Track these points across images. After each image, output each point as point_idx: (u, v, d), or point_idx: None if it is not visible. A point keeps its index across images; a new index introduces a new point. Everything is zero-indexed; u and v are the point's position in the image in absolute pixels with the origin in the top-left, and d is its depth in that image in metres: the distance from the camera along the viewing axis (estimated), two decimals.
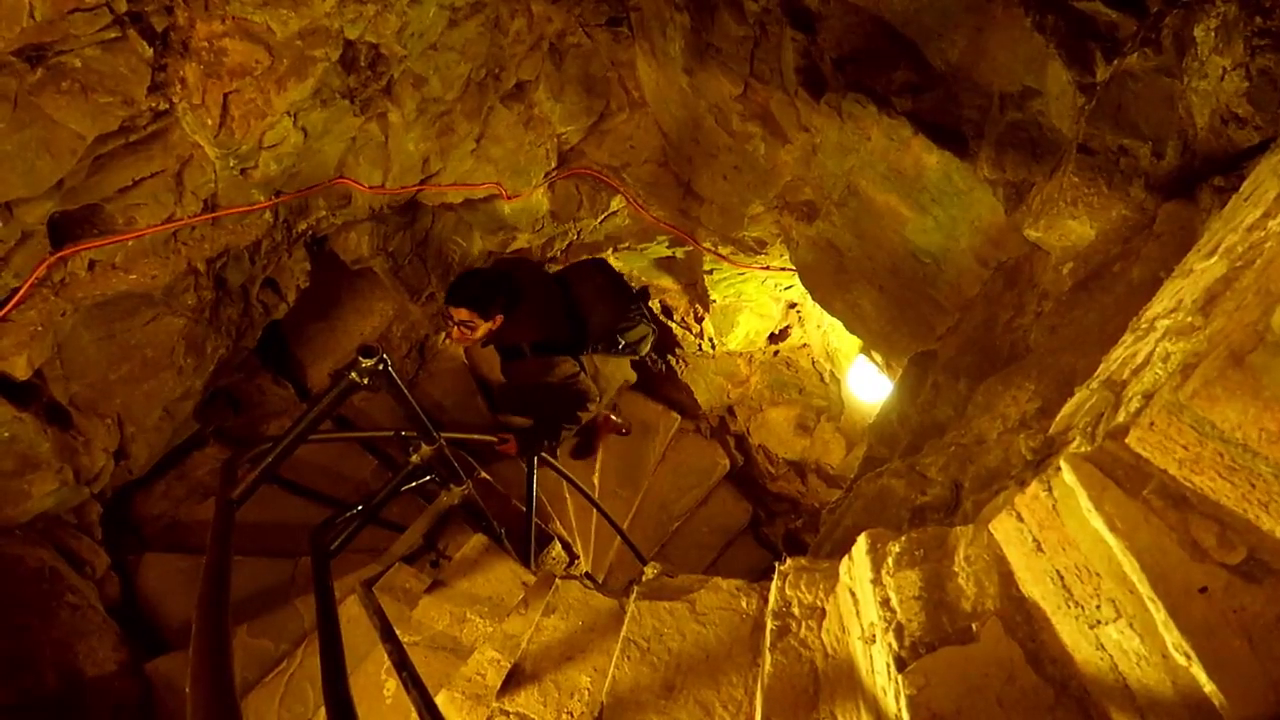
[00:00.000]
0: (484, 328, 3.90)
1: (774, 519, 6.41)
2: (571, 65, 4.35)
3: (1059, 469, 1.06)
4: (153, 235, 3.43)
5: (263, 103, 3.34)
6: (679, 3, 4.01)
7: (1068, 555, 1.06)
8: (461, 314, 3.86)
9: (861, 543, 1.35)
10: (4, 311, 3.18)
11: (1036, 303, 2.96)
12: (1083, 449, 1.09)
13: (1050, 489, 1.08)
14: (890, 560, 1.28)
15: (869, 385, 5.64)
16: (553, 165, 4.63)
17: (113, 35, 2.89)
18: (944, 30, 3.28)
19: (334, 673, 1.59)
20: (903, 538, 1.30)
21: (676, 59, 4.18)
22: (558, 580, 2.13)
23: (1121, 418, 1.08)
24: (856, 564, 1.37)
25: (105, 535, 3.86)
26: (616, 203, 4.95)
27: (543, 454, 4.09)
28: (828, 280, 4.39)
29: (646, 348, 4.57)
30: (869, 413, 5.79)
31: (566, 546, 4.22)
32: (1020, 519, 1.15)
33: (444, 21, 3.68)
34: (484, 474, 4.35)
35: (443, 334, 5.44)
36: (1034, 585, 1.14)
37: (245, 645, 3.32)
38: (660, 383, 6.41)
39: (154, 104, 3.16)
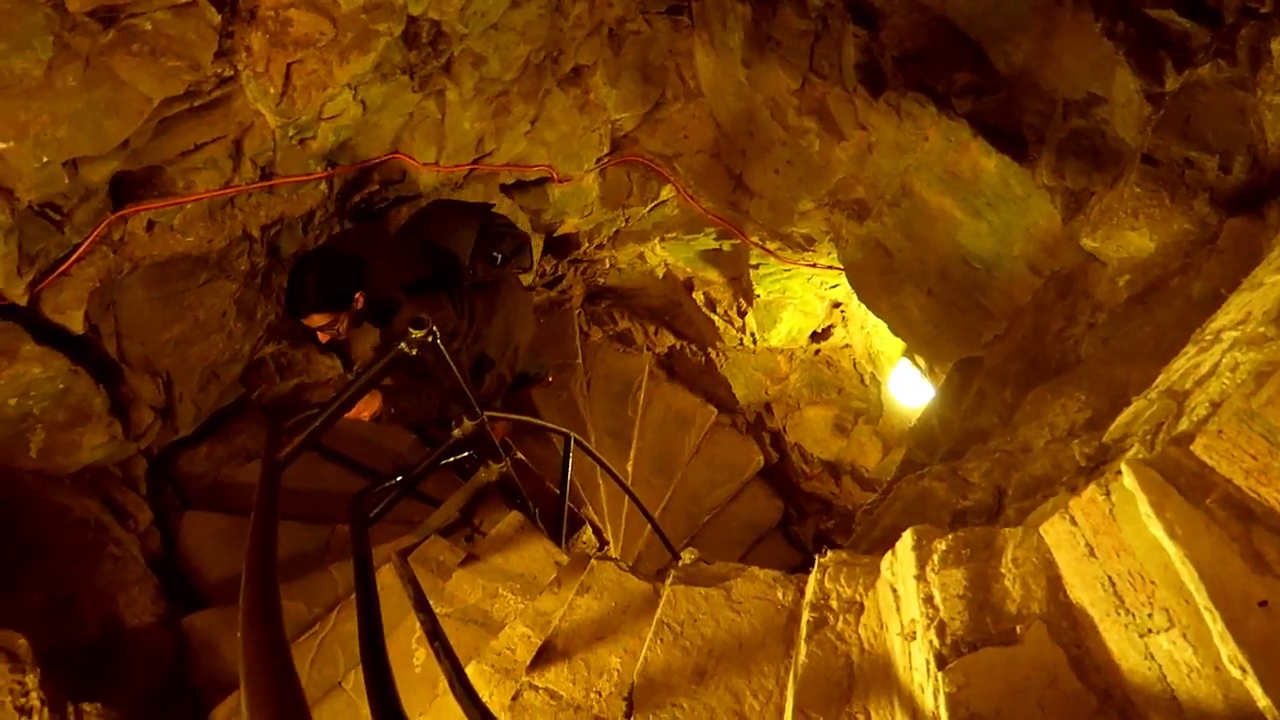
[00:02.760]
0: (346, 317, 3.37)
1: (805, 518, 6.38)
2: (630, 52, 4.35)
3: (1119, 473, 1.05)
4: (210, 200, 3.49)
5: (325, 74, 3.37)
6: None
7: (1122, 561, 1.05)
8: (316, 320, 3.31)
9: (907, 538, 1.34)
10: (65, 267, 3.25)
11: (1090, 314, 2.92)
12: (1141, 456, 1.08)
13: (1108, 493, 1.07)
14: (936, 558, 1.27)
15: (910, 389, 5.60)
16: (605, 151, 4.64)
17: (183, 0, 2.93)
18: (1009, 32, 3.23)
19: (371, 634, 1.61)
20: (950, 536, 1.29)
21: (735, 50, 4.17)
22: (593, 560, 2.14)
23: (1185, 425, 1.06)
24: (900, 560, 1.36)
25: (149, 491, 3.94)
26: (666, 192, 4.95)
27: (577, 438, 4.07)
28: (875, 281, 4.36)
29: (529, 258, 4.07)
30: (908, 417, 5.75)
31: (597, 532, 4.24)
32: (1074, 523, 1.13)
33: (506, 2, 3.69)
34: (520, 454, 4.38)
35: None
36: (1083, 591, 1.13)
37: None
38: (699, 375, 6.40)
39: (219, 70, 3.20)
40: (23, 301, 3.14)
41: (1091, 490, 1.10)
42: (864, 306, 4.74)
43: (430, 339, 2.19)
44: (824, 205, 4.47)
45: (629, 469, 5.72)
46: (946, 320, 4.08)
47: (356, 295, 3.34)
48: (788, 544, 6.29)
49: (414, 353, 2.19)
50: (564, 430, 3.99)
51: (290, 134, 3.50)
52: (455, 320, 3.56)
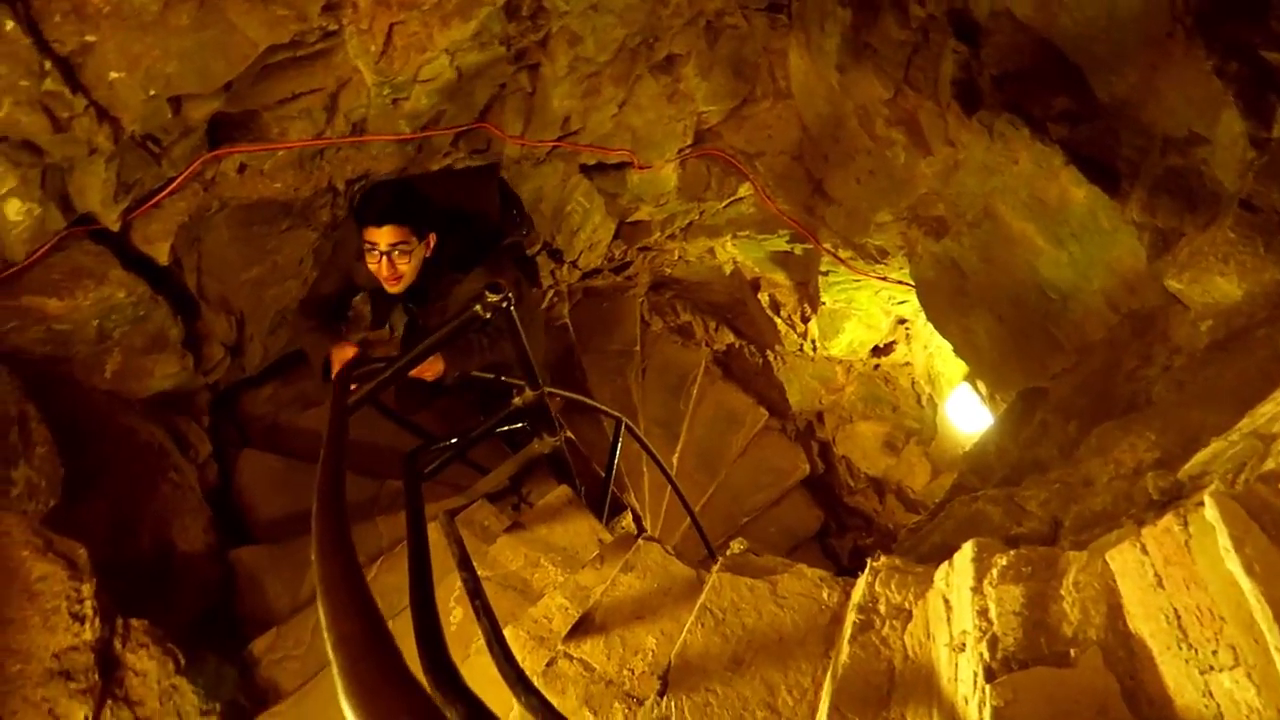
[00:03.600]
0: (419, 253, 3.15)
1: (844, 532, 6.34)
2: (724, 46, 4.34)
3: (1200, 504, 1.03)
4: (302, 149, 3.57)
5: (425, 37, 3.42)
6: None
7: (1191, 595, 1.03)
8: (388, 234, 3.05)
9: (967, 550, 1.33)
10: (158, 198, 3.36)
11: (1166, 356, 2.85)
12: (1223, 491, 1.06)
13: (1186, 524, 1.05)
14: (995, 572, 1.26)
15: (968, 414, 5.52)
16: (688, 142, 4.64)
17: None
18: (1115, 62, 3.17)
19: (422, 582, 1.64)
20: (1011, 552, 1.28)
21: (830, 54, 4.14)
22: (640, 541, 2.16)
23: (1272, 465, 1.04)
24: (958, 570, 1.35)
25: (211, 425, 4.06)
26: (744, 190, 4.95)
27: (628, 424, 4.08)
28: (945, 301, 4.31)
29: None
30: (961, 442, 5.68)
31: (637, 519, 4.26)
32: (1144, 551, 1.12)
33: None
34: (569, 433, 4.42)
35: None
36: (1145, 621, 1.12)
37: None
38: (754, 376, 6.39)
39: (325, 24, 3.26)
40: (115, 227, 3.25)
41: (1168, 520, 1.08)
42: (930, 325, 4.69)
43: (505, 305, 2.22)
44: (902, 219, 4.43)
45: (675, 461, 5.73)
46: (1014, 348, 4.01)
47: (430, 235, 3.18)
48: (824, 556, 6.26)
49: (488, 316, 2.23)
50: (616, 414, 4.01)
51: (385, 93, 3.56)
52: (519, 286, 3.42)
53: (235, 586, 3.47)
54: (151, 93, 2.95)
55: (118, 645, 2.60)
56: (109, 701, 2.47)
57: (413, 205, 3.13)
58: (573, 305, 5.84)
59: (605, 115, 4.32)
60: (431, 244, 3.19)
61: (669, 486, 4.72)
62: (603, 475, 3.73)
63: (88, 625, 2.48)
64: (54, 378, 3.39)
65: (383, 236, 3.05)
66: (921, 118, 3.92)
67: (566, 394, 3.85)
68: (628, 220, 5.20)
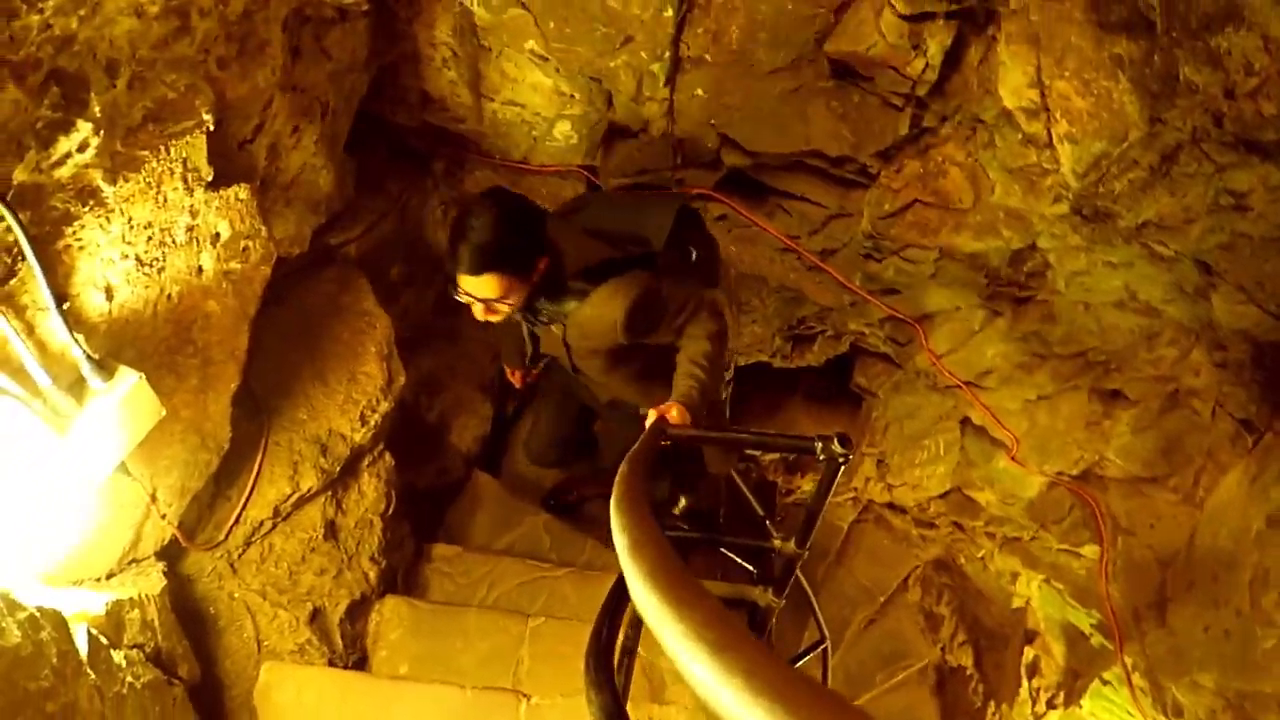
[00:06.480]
0: (524, 290, 2.39)
1: None
2: (1173, 422, 4.11)
3: None
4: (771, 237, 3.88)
5: (931, 228, 3.59)
6: None
7: None
8: (486, 287, 2.29)
9: None
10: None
11: None
12: None
13: None
14: None
15: None
16: (1071, 473, 4.42)
17: (898, 102, 3.28)
18: None
19: (615, 611, 1.71)
20: None
21: (1271, 503, 3.77)
22: None
23: None
24: None
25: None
26: (1088, 550, 4.61)
27: (827, 653, 3.88)
28: None
29: (719, 271, 3.09)
30: None
31: None
32: None
33: (1119, 294, 3.62)
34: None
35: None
36: None
37: (537, 527, 3.69)
38: (961, 712, 5.84)
39: (869, 164, 3.54)
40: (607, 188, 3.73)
41: None
42: None
43: (841, 460, 2.22)
44: (1224, 697, 3.89)
45: None
46: None
47: (540, 260, 2.38)
48: None
49: (821, 459, 2.25)
50: (827, 636, 3.86)
51: (866, 244, 3.77)
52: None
53: (459, 497, 3.78)
54: (712, 121, 3.35)
55: (365, 461, 2.93)
56: (329, 493, 2.79)
57: (514, 240, 2.31)
58: (857, 519, 5.73)
59: (1020, 394, 4.23)
60: (543, 269, 2.41)
61: None
62: None
63: (363, 430, 2.83)
64: None
65: (473, 290, 2.32)
66: None
67: (805, 583, 3.78)
68: (964, 490, 5.02)
